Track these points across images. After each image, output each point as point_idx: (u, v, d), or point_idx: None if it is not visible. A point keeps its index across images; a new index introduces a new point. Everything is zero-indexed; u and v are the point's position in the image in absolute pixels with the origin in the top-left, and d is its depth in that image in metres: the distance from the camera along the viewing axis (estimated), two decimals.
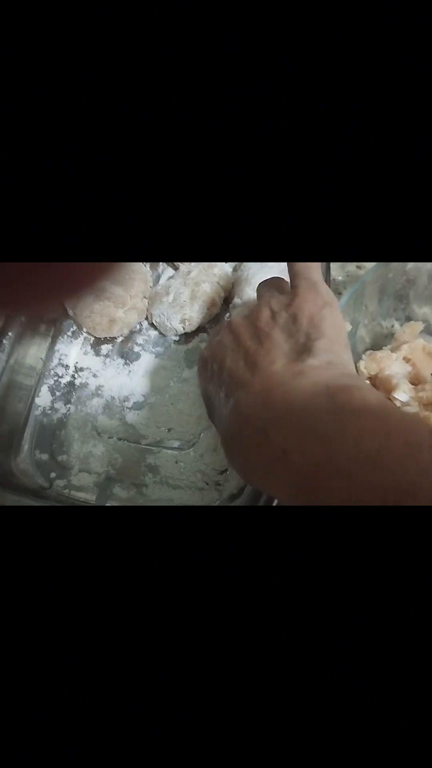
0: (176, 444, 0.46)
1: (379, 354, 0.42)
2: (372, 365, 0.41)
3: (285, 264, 0.53)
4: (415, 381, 0.42)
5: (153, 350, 0.51)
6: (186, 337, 0.51)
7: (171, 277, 0.52)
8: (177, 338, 0.51)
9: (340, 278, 0.53)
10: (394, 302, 0.46)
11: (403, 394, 0.39)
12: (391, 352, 0.43)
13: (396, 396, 0.39)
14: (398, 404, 0.39)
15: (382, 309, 0.46)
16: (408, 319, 0.48)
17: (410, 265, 0.43)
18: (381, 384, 0.40)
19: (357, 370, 0.42)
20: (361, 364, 0.41)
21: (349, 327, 0.40)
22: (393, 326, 0.47)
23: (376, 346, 0.46)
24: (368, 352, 0.42)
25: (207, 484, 0.44)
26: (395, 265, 0.43)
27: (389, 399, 0.39)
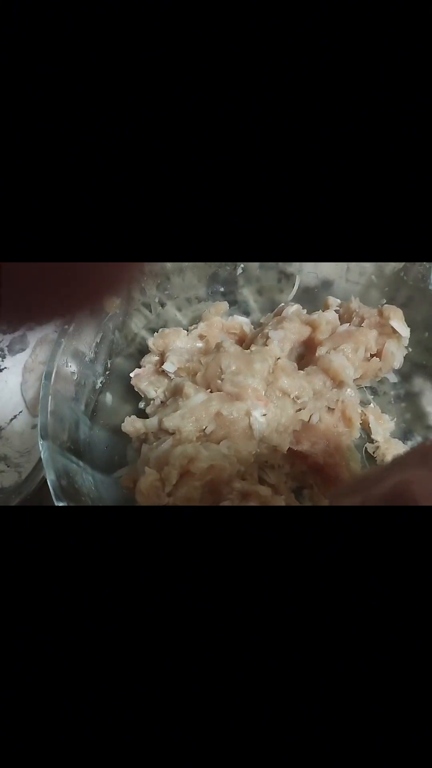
0: None
1: (167, 331, 0.41)
2: (159, 341, 0.41)
3: None
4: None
5: None
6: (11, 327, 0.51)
7: None
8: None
9: None
10: (212, 285, 0.47)
11: (170, 365, 0.38)
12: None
13: (164, 367, 0.38)
14: (170, 375, 0.38)
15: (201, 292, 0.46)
16: (232, 301, 0.48)
17: None
18: (163, 357, 0.40)
19: (147, 347, 0.41)
20: (150, 341, 0.41)
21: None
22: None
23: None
24: (160, 330, 0.42)
25: (8, 466, 0.44)
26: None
27: (163, 371, 0.39)
